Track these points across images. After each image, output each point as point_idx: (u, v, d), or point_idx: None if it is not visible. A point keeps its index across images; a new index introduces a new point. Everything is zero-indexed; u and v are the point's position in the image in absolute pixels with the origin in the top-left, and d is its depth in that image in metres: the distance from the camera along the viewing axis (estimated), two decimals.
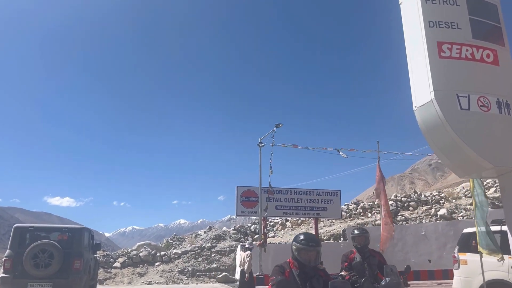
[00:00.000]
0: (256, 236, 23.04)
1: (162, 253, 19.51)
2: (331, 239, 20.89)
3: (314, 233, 20.34)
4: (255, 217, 25.10)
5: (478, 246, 7.50)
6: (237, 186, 19.59)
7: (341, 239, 20.36)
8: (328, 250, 20.21)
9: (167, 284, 17.06)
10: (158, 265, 18.56)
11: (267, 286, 3.80)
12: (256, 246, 17.47)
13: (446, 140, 4.50)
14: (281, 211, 19.99)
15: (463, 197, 26.34)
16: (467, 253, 9.03)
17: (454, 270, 9.56)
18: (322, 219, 22.04)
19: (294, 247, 3.82)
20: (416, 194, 25.39)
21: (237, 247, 19.64)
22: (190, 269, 18.33)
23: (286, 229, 25.20)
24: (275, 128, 18.02)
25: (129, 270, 17.96)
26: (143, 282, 17.03)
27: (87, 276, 11.38)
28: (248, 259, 11.01)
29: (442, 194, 25.92)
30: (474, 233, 7.98)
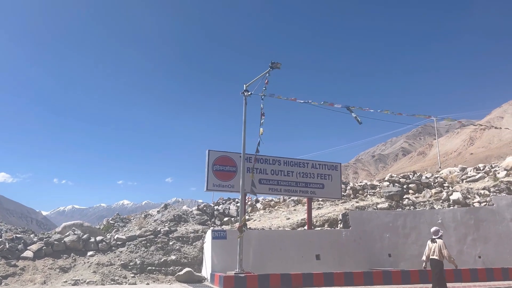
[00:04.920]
0: (225, 219, 17.96)
1: (99, 238, 13.85)
2: (326, 225, 16.25)
3: (306, 217, 15.62)
4: (228, 193, 20.08)
5: None
6: (208, 150, 14.39)
7: (340, 225, 15.76)
8: (328, 239, 15.58)
9: (102, 284, 11.60)
10: (92, 256, 12.97)
11: None
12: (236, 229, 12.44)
13: None
14: (266, 186, 14.99)
15: (462, 182, 22.84)
16: None
17: None
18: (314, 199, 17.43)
19: None
20: (415, 175, 21.46)
21: (204, 232, 14.46)
22: (138, 262, 12.91)
23: (262, 210, 20.33)
24: (269, 69, 12.90)
25: (47, 262, 12.20)
26: (66, 281, 11.41)
27: None
28: (444, 247, 9.68)
29: (443, 175, 22.25)
30: None
